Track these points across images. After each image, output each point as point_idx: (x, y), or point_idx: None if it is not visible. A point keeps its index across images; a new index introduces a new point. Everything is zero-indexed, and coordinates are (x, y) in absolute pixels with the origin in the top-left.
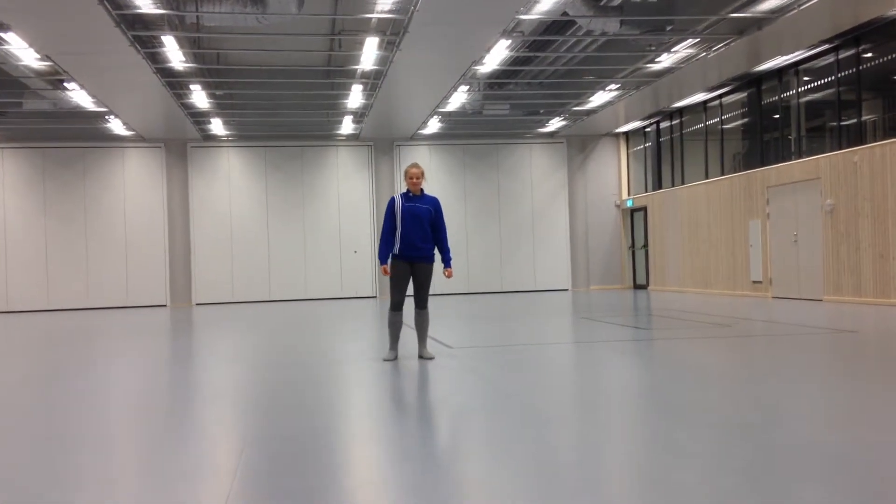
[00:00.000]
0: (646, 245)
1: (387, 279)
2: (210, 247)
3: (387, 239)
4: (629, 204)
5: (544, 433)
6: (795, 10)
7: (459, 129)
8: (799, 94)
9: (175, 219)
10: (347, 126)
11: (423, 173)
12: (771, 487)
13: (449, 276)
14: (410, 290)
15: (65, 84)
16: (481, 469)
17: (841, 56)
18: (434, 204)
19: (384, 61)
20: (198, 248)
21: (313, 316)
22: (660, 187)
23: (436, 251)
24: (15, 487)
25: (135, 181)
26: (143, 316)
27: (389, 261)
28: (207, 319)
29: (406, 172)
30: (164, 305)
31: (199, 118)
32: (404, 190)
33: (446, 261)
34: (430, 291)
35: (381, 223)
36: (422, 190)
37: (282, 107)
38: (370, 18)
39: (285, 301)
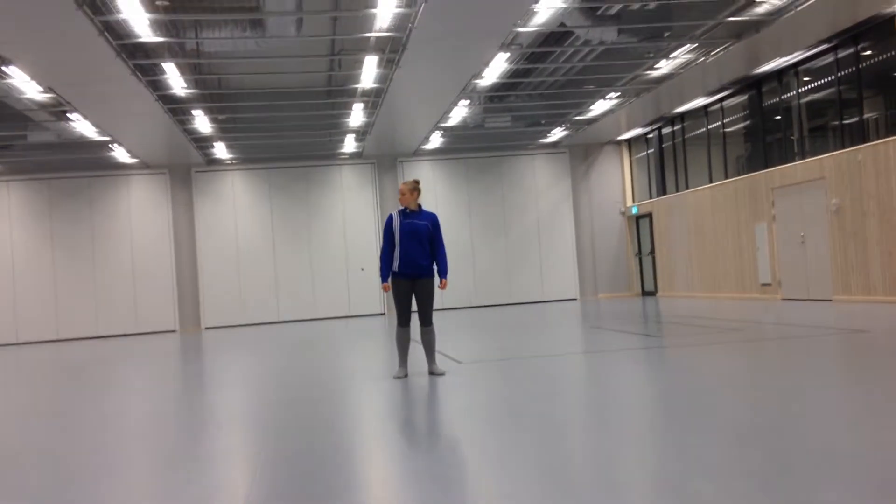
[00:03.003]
0: (652, 251)
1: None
2: (217, 271)
3: (386, 257)
4: (634, 211)
5: (558, 445)
6: (793, 12)
7: (461, 144)
8: (800, 95)
9: (182, 244)
10: (350, 145)
11: (410, 189)
12: (786, 493)
13: (443, 288)
14: (415, 305)
15: (68, 115)
16: (495, 485)
17: (840, 55)
18: (432, 220)
19: (384, 79)
20: (205, 272)
21: (322, 335)
22: (664, 193)
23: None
24: None
25: (140, 208)
26: (154, 342)
27: (389, 278)
28: (218, 343)
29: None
30: (174, 331)
31: (203, 143)
32: (401, 207)
33: (442, 272)
34: (437, 306)
35: None
36: (419, 206)
37: (284, 128)
38: (369, 37)
39: (294, 321)
